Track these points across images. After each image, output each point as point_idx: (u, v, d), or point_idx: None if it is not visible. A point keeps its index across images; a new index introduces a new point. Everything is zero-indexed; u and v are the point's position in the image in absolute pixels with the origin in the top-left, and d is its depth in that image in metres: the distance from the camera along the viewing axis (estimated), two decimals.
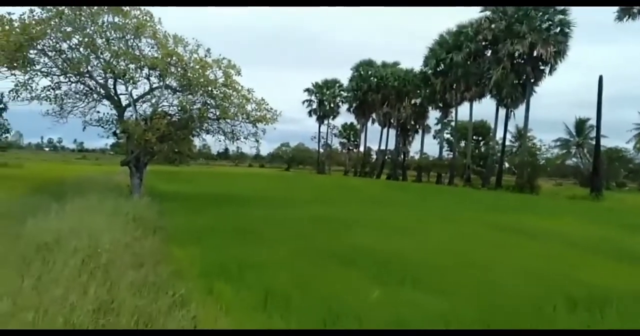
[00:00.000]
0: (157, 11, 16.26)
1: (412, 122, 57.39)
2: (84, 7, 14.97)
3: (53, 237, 6.45)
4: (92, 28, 15.36)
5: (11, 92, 15.57)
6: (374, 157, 72.78)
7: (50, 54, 15.51)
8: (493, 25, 40.28)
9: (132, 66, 15.90)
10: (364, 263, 7.37)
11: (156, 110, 16.47)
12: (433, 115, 57.78)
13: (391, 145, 60.45)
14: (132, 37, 15.80)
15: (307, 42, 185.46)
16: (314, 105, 66.91)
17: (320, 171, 67.83)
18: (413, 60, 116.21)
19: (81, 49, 15.53)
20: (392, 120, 57.59)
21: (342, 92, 65.56)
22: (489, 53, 43.02)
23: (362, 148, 68.74)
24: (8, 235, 6.60)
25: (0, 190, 14.77)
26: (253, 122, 17.19)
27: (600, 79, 34.40)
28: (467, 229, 12.53)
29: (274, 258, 7.53)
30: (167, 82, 16.58)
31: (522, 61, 39.94)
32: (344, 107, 65.39)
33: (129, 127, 15.68)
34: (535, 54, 38.03)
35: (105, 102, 16.96)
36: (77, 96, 16.92)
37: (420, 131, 58.57)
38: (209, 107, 16.90)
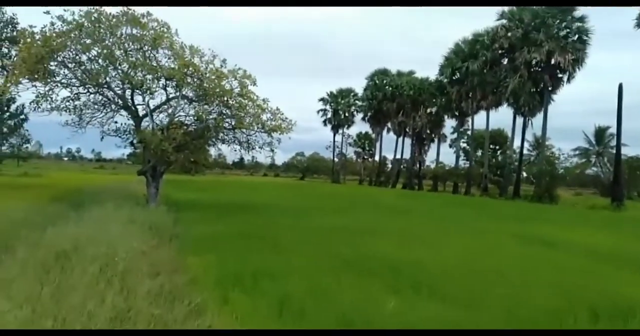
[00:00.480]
0: (173, 23, 16.50)
1: (428, 131, 57.17)
2: (103, 19, 15.28)
3: (72, 245, 6.52)
4: (111, 40, 15.65)
5: (32, 103, 15.87)
6: (389, 166, 72.50)
7: (70, 65, 15.83)
8: (509, 34, 40.04)
9: (149, 77, 16.13)
10: (380, 273, 7.29)
11: (173, 120, 16.65)
12: (449, 124, 57.49)
13: (406, 154, 60.29)
14: (150, 48, 16.04)
15: (321, 51, 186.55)
16: (329, 115, 67.06)
17: (334, 180, 67.75)
18: (428, 69, 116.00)
19: (100, 61, 15.80)
20: (407, 129, 57.42)
21: (357, 101, 65.61)
22: (505, 61, 42.74)
23: (377, 158, 68.64)
24: (28, 243, 6.68)
25: (21, 199, 15.03)
26: (268, 132, 17.26)
27: (620, 86, 33.89)
28: (485, 239, 12.32)
29: (290, 267, 7.48)
30: (184, 93, 16.76)
31: (540, 69, 39.60)
32: (358, 116, 65.55)
33: (145, 137, 15.85)
34: (553, 61, 37.71)
35: (123, 112, 17.23)
36: (96, 107, 17.21)
37: (436, 140, 58.28)
38: (224, 116, 17.01)
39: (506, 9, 40.47)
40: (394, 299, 5.65)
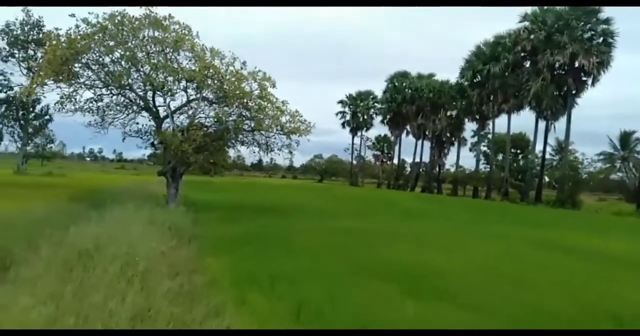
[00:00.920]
0: (193, 24, 16.67)
1: (448, 134, 56.60)
2: (126, 22, 15.53)
3: (93, 244, 6.61)
4: (133, 42, 15.89)
5: (56, 104, 16.25)
6: (408, 169, 71.97)
7: (93, 67, 16.13)
8: (532, 36, 39.35)
9: (170, 79, 16.33)
10: (399, 277, 7.22)
11: (193, 122, 16.80)
12: (469, 127, 56.81)
13: (426, 158, 59.72)
14: (171, 50, 16.24)
15: (341, 53, 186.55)
16: (348, 117, 66.90)
17: (353, 183, 67.49)
18: (449, 71, 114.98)
19: (122, 63, 16.07)
20: (427, 132, 56.94)
21: (376, 104, 65.30)
22: (527, 64, 42.01)
23: (395, 161, 68.20)
24: (51, 241, 6.80)
25: (45, 199, 15.33)
26: (287, 134, 17.32)
27: None
28: (506, 244, 12.12)
29: (308, 269, 7.47)
30: (204, 94, 16.93)
31: (563, 72, 38.87)
32: (377, 119, 65.09)
33: (166, 138, 16.04)
34: (577, 64, 36.96)
35: (144, 113, 17.49)
36: (118, 108, 17.47)
37: (456, 143, 57.67)
38: (244, 118, 17.12)
39: (529, 10, 39.90)
40: (414, 305, 5.59)
